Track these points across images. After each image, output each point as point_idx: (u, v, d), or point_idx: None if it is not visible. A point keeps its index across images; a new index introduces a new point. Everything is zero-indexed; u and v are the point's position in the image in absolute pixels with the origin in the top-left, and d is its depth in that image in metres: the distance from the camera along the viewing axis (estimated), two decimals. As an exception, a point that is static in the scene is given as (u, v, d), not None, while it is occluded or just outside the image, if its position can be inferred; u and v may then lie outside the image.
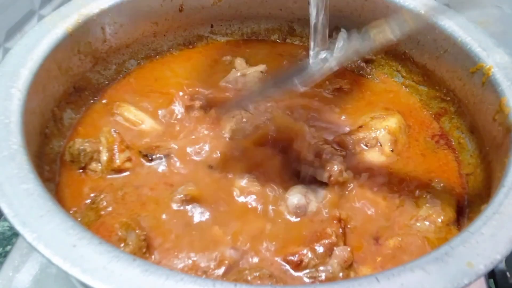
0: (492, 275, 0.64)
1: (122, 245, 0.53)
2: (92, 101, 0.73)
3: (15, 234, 0.74)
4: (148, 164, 0.64)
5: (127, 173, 0.63)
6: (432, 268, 0.41)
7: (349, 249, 0.53)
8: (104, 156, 0.62)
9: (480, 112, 0.66)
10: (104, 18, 0.72)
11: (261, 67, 0.78)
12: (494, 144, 0.60)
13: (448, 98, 0.73)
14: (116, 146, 0.63)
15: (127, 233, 0.54)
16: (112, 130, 0.64)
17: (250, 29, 0.88)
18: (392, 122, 0.70)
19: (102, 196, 0.59)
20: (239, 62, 0.81)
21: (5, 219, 0.43)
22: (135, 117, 0.70)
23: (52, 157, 0.63)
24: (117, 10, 0.73)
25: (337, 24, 0.84)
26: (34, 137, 0.59)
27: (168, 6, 0.80)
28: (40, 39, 0.63)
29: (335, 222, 0.55)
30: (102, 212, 0.58)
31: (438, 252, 0.42)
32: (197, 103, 0.73)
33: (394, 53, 0.81)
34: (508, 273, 0.64)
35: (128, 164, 0.63)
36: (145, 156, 0.64)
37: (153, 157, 0.64)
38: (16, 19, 0.95)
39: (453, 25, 0.70)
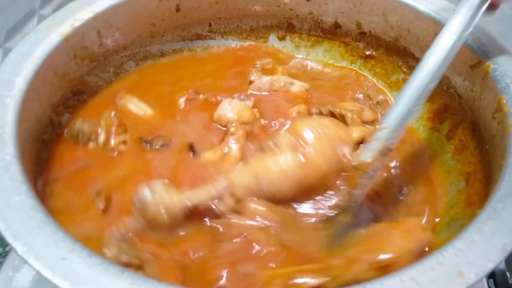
0: (492, 275, 0.64)
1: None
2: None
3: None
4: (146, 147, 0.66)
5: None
6: (422, 278, 0.40)
7: None
8: (101, 138, 0.66)
9: (480, 109, 0.64)
10: (99, 22, 0.71)
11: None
12: (494, 144, 0.59)
13: (449, 94, 0.72)
14: (113, 128, 0.66)
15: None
16: (112, 113, 0.67)
17: (249, 26, 0.87)
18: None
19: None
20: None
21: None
22: (138, 108, 0.72)
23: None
24: (113, 13, 0.73)
25: (335, 19, 0.83)
26: (31, 145, 0.60)
27: (164, 7, 0.79)
28: (35, 46, 0.63)
29: None
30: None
31: (429, 261, 0.42)
32: (201, 97, 0.74)
33: (394, 48, 0.79)
34: (508, 273, 0.63)
35: (122, 147, 0.66)
36: (145, 143, 0.66)
37: (153, 144, 0.66)
38: (16, 19, 0.96)
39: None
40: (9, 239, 0.43)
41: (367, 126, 0.66)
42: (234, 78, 0.80)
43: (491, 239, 0.43)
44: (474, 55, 0.65)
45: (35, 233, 0.43)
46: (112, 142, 0.65)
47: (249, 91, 0.75)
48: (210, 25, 0.86)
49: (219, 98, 0.73)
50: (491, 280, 0.63)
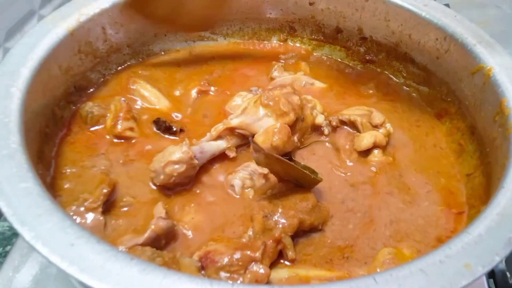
0: (492, 275, 0.64)
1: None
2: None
3: (15, 234, 0.74)
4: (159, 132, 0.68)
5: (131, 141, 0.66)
6: (430, 269, 0.41)
7: (264, 271, 0.49)
8: (108, 122, 0.67)
9: (480, 113, 0.65)
10: (104, 18, 0.72)
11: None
12: (494, 146, 0.60)
13: (449, 99, 0.73)
14: (121, 114, 0.66)
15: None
16: (122, 99, 0.68)
17: (251, 29, 0.88)
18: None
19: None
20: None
21: (5, 219, 0.43)
22: (151, 94, 0.73)
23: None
24: (118, 10, 0.73)
25: (337, 24, 0.84)
26: (34, 136, 0.59)
27: (169, 6, 0.80)
28: (41, 38, 0.63)
29: (270, 241, 0.53)
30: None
31: (436, 253, 0.42)
32: (214, 89, 0.76)
33: (395, 54, 0.80)
34: (508, 273, 0.64)
35: (129, 133, 0.67)
36: (165, 129, 0.67)
37: (169, 126, 0.67)
38: (16, 19, 0.95)
39: (454, 25, 0.70)
40: (16, 225, 0.42)
41: (379, 130, 0.67)
42: (256, 71, 0.82)
43: (497, 233, 0.44)
44: (475, 60, 0.66)
45: (42, 219, 0.43)
46: (119, 127, 0.66)
47: (269, 87, 0.76)
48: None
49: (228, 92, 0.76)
50: (491, 280, 0.64)
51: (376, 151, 0.67)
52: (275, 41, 0.89)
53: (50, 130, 0.65)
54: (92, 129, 0.67)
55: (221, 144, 0.64)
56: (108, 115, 0.68)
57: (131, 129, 0.67)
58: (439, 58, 0.73)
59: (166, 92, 0.74)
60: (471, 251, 0.42)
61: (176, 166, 0.58)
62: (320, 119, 0.67)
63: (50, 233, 0.42)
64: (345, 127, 0.70)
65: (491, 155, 0.61)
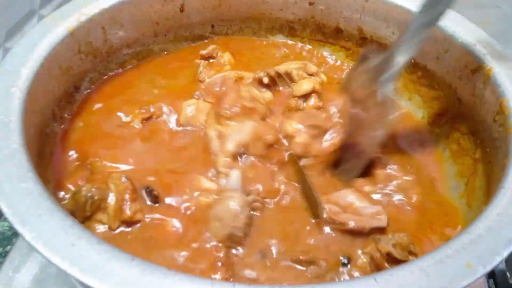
0: (492, 275, 0.64)
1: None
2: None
3: (15, 234, 0.74)
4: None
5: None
6: (431, 269, 0.41)
7: None
8: (112, 206, 0.55)
9: (480, 113, 0.65)
10: (105, 18, 0.72)
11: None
12: (494, 146, 0.60)
13: (449, 99, 0.73)
14: (127, 195, 0.56)
15: None
16: (123, 178, 0.57)
17: (251, 29, 0.88)
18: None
19: None
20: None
21: (5, 219, 0.43)
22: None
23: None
24: (118, 10, 0.73)
25: (337, 24, 0.84)
26: (34, 136, 0.59)
27: (169, 6, 0.80)
28: (41, 38, 0.63)
29: None
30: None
31: (437, 253, 0.42)
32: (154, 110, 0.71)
33: (395, 54, 0.80)
34: (508, 273, 0.64)
35: (139, 215, 0.56)
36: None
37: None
38: (16, 19, 0.95)
39: (454, 25, 0.70)
40: (16, 225, 0.42)
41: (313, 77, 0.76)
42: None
43: (497, 233, 0.44)
44: (475, 59, 0.66)
45: (43, 219, 0.43)
46: (128, 211, 0.55)
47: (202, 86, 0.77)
48: (212, 26, 0.86)
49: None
50: (491, 280, 0.64)
51: (314, 97, 0.73)
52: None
53: (50, 130, 0.65)
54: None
55: (238, 173, 0.62)
56: (111, 197, 0.55)
57: (140, 211, 0.56)
58: (439, 58, 0.73)
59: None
60: (472, 251, 0.42)
61: (242, 216, 0.55)
62: (268, 95, 0.74)
63: (51, 233, 0.42)
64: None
65: (491, 155, 0.61)
